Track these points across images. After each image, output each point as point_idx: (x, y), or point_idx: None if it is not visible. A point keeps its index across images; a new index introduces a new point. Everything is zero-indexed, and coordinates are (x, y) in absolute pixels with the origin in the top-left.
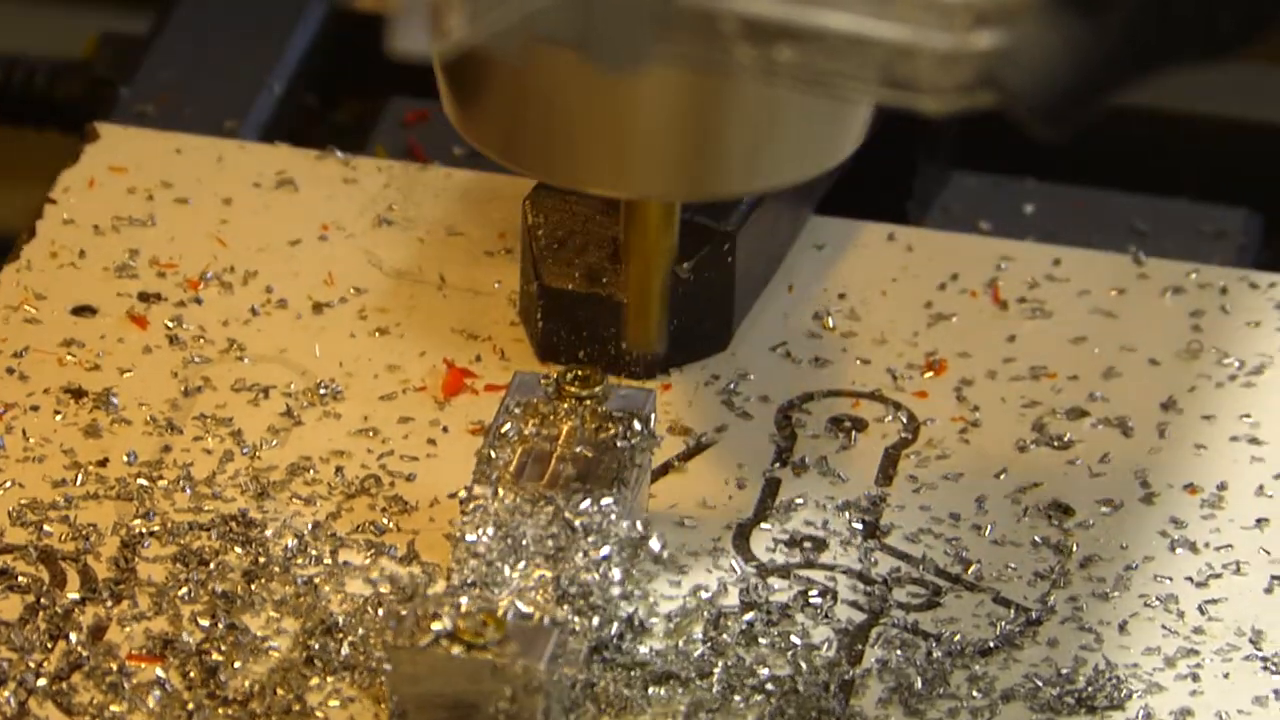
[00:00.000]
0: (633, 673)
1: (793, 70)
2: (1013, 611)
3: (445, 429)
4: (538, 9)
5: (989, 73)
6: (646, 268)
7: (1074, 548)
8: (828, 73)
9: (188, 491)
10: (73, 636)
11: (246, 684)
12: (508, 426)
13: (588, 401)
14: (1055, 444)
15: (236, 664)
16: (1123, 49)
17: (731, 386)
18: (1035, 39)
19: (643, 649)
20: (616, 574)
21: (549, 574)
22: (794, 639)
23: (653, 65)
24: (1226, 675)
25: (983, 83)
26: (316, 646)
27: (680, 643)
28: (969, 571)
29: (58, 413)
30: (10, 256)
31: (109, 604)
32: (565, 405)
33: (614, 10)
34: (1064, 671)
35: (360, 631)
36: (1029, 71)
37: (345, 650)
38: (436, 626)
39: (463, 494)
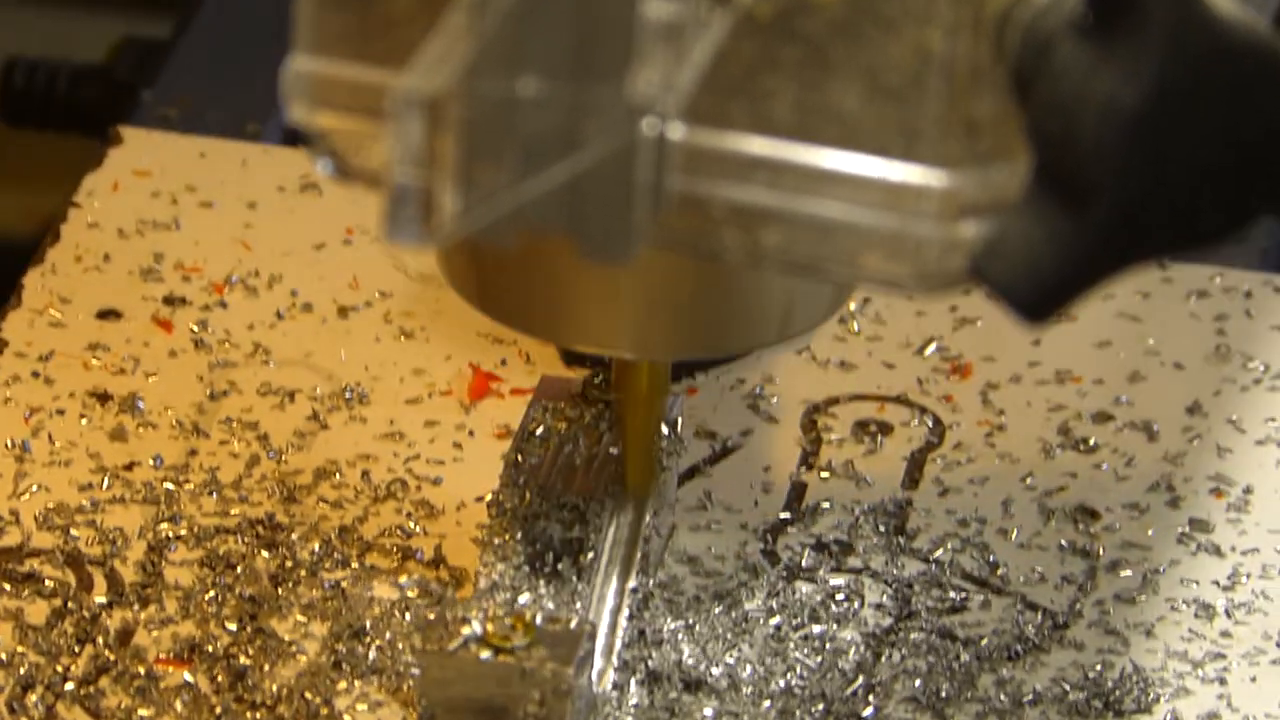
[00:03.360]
0: (658, 677)
1: (779, 255)
2: (1039, 615)
3: (471, 433)
4: (528, 200)
5: (974, 263)
6: (641, 422)
7: (1100, 552)
8: (814, 258)
9: (214, 495)
10: (100, 641)
11: (274, 688)
12: (534, 430)
13: (614, 405)
14: (1081, 448)
15: (264, 668)
16: (1105, 244)
17: (757, 390)
18: (1019, 231)
19: (670, 655)
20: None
21: (575, 577)
22: (821, 642)
23: (640, 250)
24: (1254, 679)
25: (967, 272)
26: (344, 650)
27: (707, 647)
28: (995, 575)
29: (84, 417)
30: (34, 260)
31: (136, 608)
32: (591, 409)
33: (603, 202)
34: (1091, 675)
35: (388, 635)
36: (1013, 263)
37: (373, 654)
38: (465, 631)
39: (490, 498)
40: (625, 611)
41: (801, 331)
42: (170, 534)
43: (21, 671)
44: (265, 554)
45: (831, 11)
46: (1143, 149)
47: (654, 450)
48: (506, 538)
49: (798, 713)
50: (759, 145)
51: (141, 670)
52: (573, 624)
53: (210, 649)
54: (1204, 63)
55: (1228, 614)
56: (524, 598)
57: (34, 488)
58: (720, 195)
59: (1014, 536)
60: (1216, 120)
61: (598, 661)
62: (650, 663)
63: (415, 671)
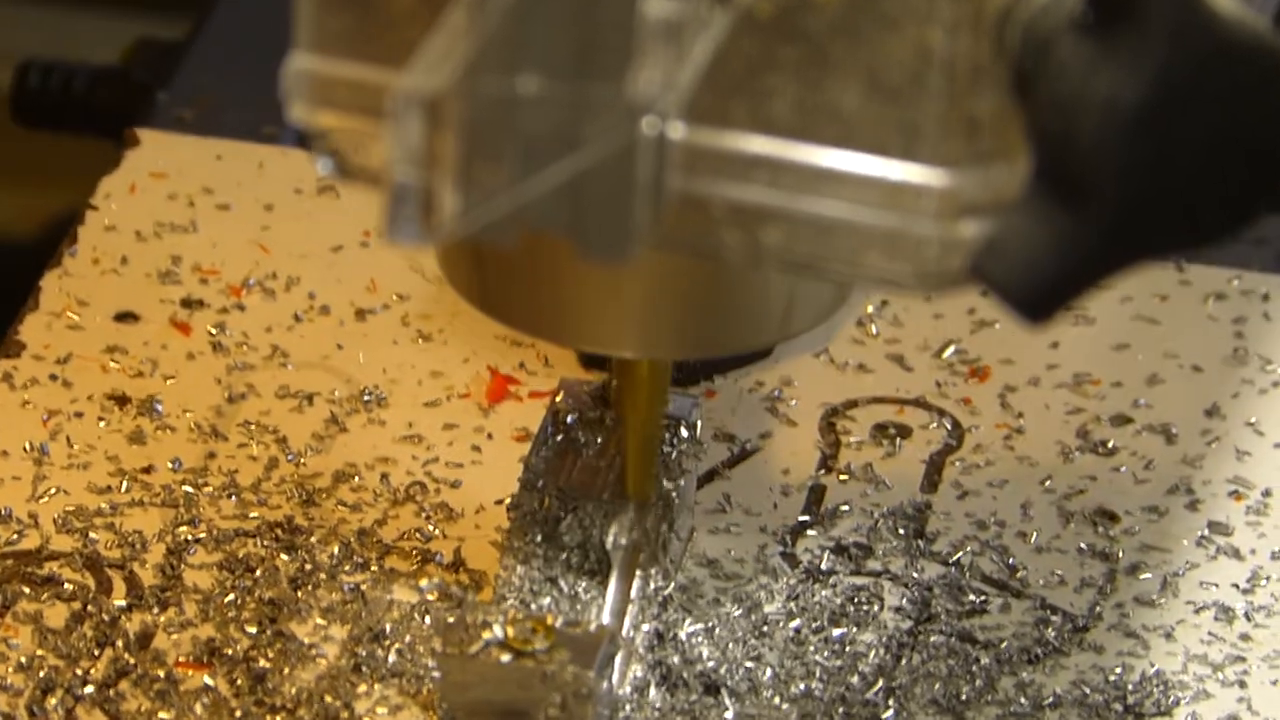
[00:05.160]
0: (680, 679)
1: (779, 254)
2: (1059, 618)
3: (490, 435)
4: (528, 200)
5: (974, 262)
6: (642, 423)
7: (1120, 554)
8: (814, 257)
9: (233, 498)
10: (119, 644)
11: (294, 691)
12: (553, 433)
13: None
14: (1099, 451)
15: (284, 671)
16: (1105, 243)
17: (775, 393)
18: (1020, 231)
19: (690, 655)
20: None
21: (594, 580)
22: (840, 645)
23: (640, 250)
24: (1274, 682)
25: (968, 272)
26: (364, 654)
27: (727, 649)
28: (1015, 578)
29: (102, 419)
30: (51, 263)
31: (155, 611)
32: (610, 412)
33: (603, 202)
34: (1111, 678)
35: (408, 639)
36: (1013, 263)
37: (393, 657)
38: (486, 634)
39: (509, 501)
40: (645, 614)
41: (802, 330)
42: (189, 537)
43: (41, 675)
44: (285, 557)
45: (832, 10)
46: (1143, 148)
47: (655, 452)
48: (526, 541)
49: (818, 716)
50: (759, 144)
51: (161, 673)
52: (593, 627)
53: (230, 652)
54: (1205, 62)
55: (1247, 617)
56: (544, 601)
57: (52, 491)
58: (720, 194)
59: (1033, 539)
60: (1217, 120)
61: (618, 664)
62: (670, 665)
63: (436, 675)
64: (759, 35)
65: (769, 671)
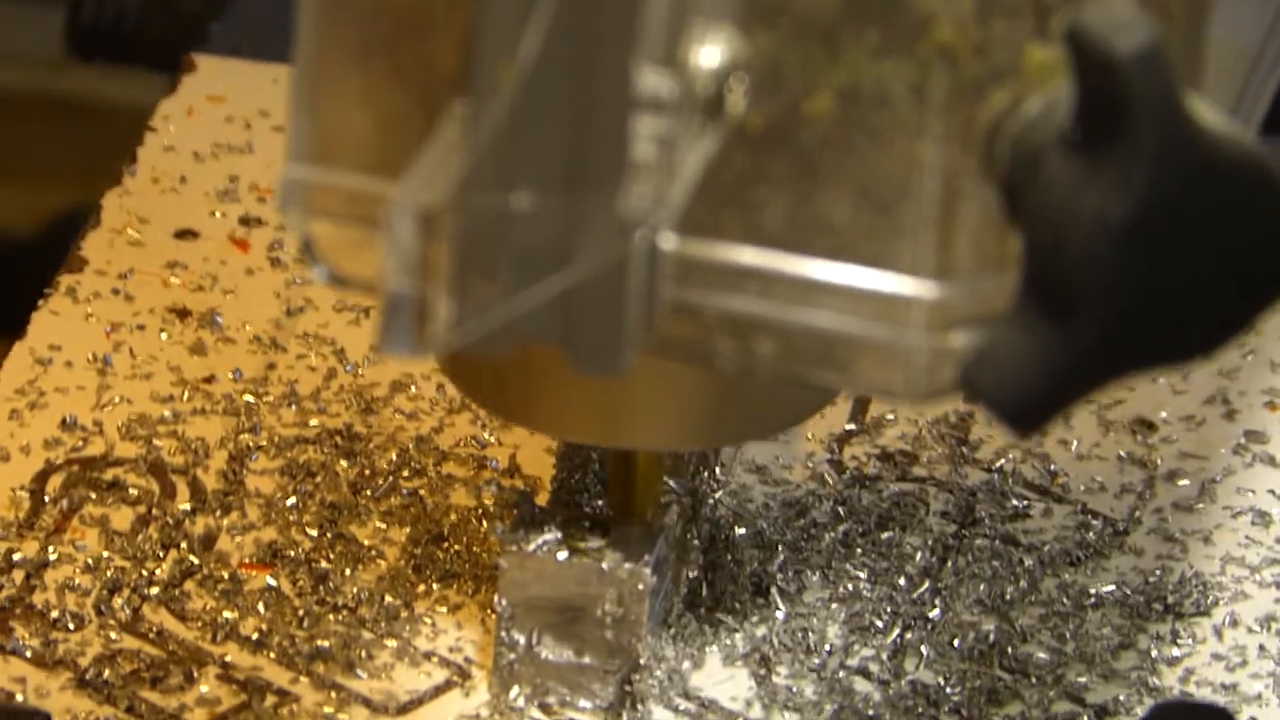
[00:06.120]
0: (734, 581)
1: (772, 363)
2: (1099, 522)
3: None
4: (522, 313)
5: (964, 373)
6: (638, 506)
7: (1158, 462)
8: (806, 366)
9: (293, 407)
10: (184, 546)
11: (355, 591)
12: None
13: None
14: None
15: (345, 572)
16: (1094, 356)
17: None
18: (1009, 342)
19: (740, 556)
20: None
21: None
22: (887, 548)
23: (633, 361)
24: None
25: (958, 382)
26: (423, 555)
27: (776, 551)
28: (1056, 484)
29: (163, 331)
30: (111, 182)
31: (219, 514)
32: None
33: (596, 314)
34: (1151, 580)
35: (465, 540)
36: (1002, 374)
37: (451, 559)
38: (544, 533)
39: None
40: (698, 516)
41: (793, 425)
42: (251, 444)
43: (108, 575)
44: (344, 463)
45: (822, 123)
46: (1131, 263)
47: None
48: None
49: (866, 615)
50: (750, 255)
51: (225, 574)
52: (650, 523)
53: (292, 554)
54: (1192, 178)
55: None
56: (599, 501)
57: (116, 400)
58: (713, 304)
59: (1074, 448)
60: (1205, 234)
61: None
62: (722, 565)
63: (495, 573)
64: (750, 148)
65: (818, 574)
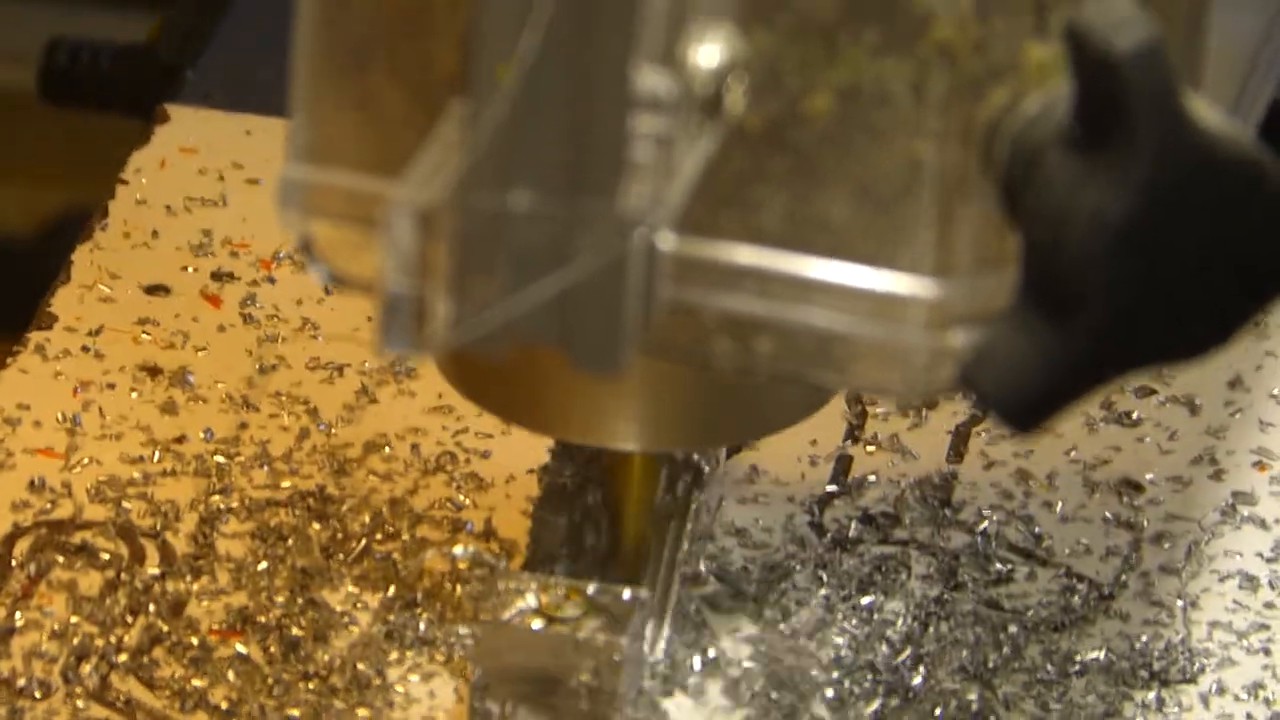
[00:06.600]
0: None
1: (771, 363)
2: (1085, 586)
3: None
4: (520, 313)
5: (962, 372)
6: (635, 513)
7: (1144, 524)
8: (805, 366)
9: (265, 468)
10: (153, 611)
11: (327, 658)
12: None
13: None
14: (1124, 421)
15: (317, 638)
16: (1093, 355)
17: None
18: (1008, 341)
19: (718, 622)
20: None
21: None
22: (869, 613)
23: (631, 360)
24: None
25: (956, 381)
26: (396, 622)
27: (756, 619)
28: (1041, 547)
29: (134, 390)
30: (83, 236)
31: (189, 579)
32: None
33: (594, 314)
34: (1137, 645)
35: (439, 607)
36: (1001, 373)
37: (424, 626)
38: (518, 602)
39: (539, 470)
40: (675, 581)
41: (790, 424)
42: (222, 506)
43: (75, 642)
44: (316, 526)
45: (821, 123)
46: (1129, 261)
47: (646, 531)
48: (557, 508)
49: (846, 682)
50: (748, 255)
51: (194, 641)
52: (625, 594)
53: (263, 620)
54: (1191, 175)
55: (1271, 585)
56: (575, 568)
57: (85, 460)
58: (711, 304)
59: (1059, 509)
60: (1204, 232)
61: (649, 630)
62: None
63: (469, 642)
64: (749, 147)
65: (798, 639)
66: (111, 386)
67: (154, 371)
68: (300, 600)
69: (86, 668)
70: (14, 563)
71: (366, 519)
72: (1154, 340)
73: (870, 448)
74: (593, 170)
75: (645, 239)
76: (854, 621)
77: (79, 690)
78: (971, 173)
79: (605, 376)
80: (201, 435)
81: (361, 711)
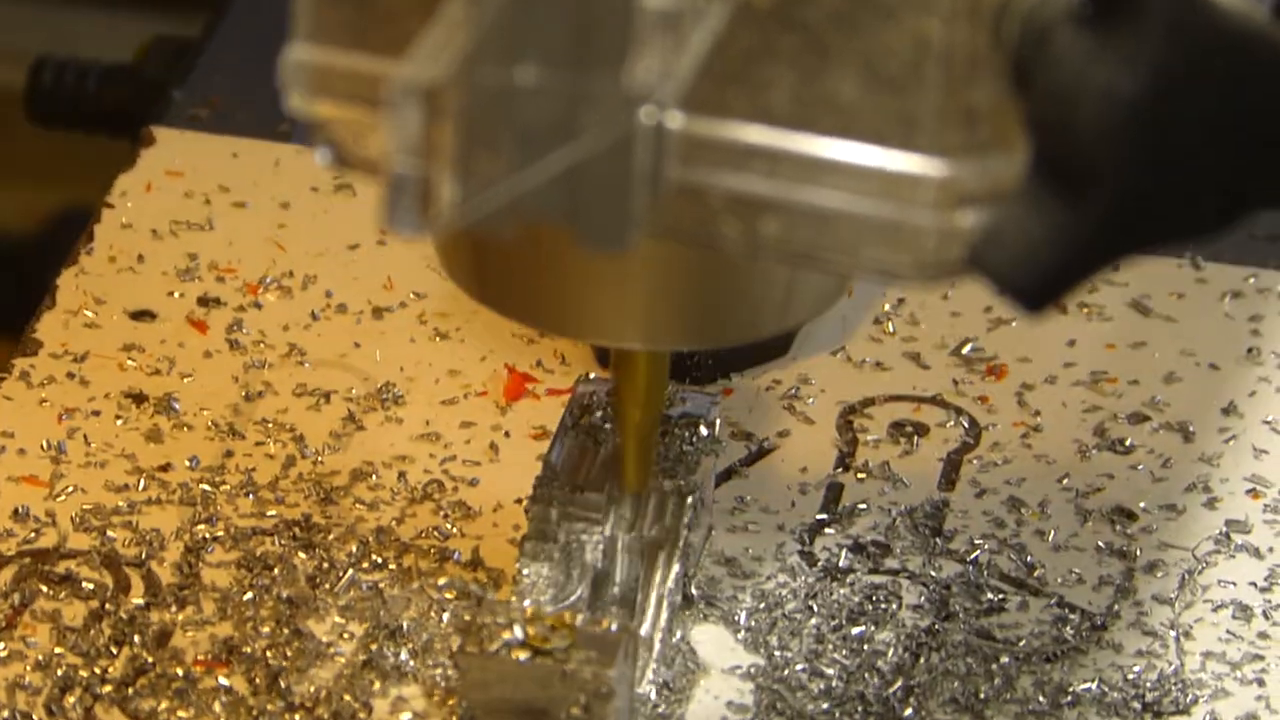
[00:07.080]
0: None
1: (778, 245)
2: (1077, 616)
3: (507, 434)
4: (526, 190)
5: (972, 252)
6: (640, 415)
7: (1137, 553)
8: (812, 248)
9: (251, 497)
10: (137, 641)
11: (312, 689)
12: (570, 431)
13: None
14: (1117, 449)
15: (302, 669)
16: (1104, 233)
17: (793, 391)
18: (1017, 221)
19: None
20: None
21: (612, 578)
22: (859, 643)
23: (638, 238)
24: None
25: (966, 262)
26: (381, 652)
27: (746, 648)
28: (1033, 577)
29: (119, 418)
30: (68, 261)
31: (173, 609)
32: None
33: (601, 191)
34: (1130, 676)
35: (425, 637)
36: (1011, 253)
37: (411, 656)
38: (505, 633)
39: (526, 499)
40: (665, 612)
41: (803, 320)
42: (207, 535)
43: (59, 673)
44: (302, 555)
45: (830, 1)
46: (1140, 138)
47: (653, 446)
48: (544, 539)
49: (837, 713)
50: (757, 134)
51: (179, 672)
52: (613, 626)
53: (248, 650)
54: (1202, 52)
55: (1265, 615)
56: (563, 599)
57: (70, 489)
58: (718, 184)
59: (1051, 538)
60: (1214, 110)
61: (639, 661)
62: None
63: (454, 674)
64: (757, 25)
65: (788, 668)
66: (96, 413)
67: (139, 399)
68: (286, 630)
69: (70, 699)
70: None
71: (353, 548)
72: (1164, 217)
73: (861, 475)
74: (599, 45)
75: (653, 116)
76: (844, 652)
77: None
78: (981, 52)
79: (612, 253)
80: (187, 463)
81: None
